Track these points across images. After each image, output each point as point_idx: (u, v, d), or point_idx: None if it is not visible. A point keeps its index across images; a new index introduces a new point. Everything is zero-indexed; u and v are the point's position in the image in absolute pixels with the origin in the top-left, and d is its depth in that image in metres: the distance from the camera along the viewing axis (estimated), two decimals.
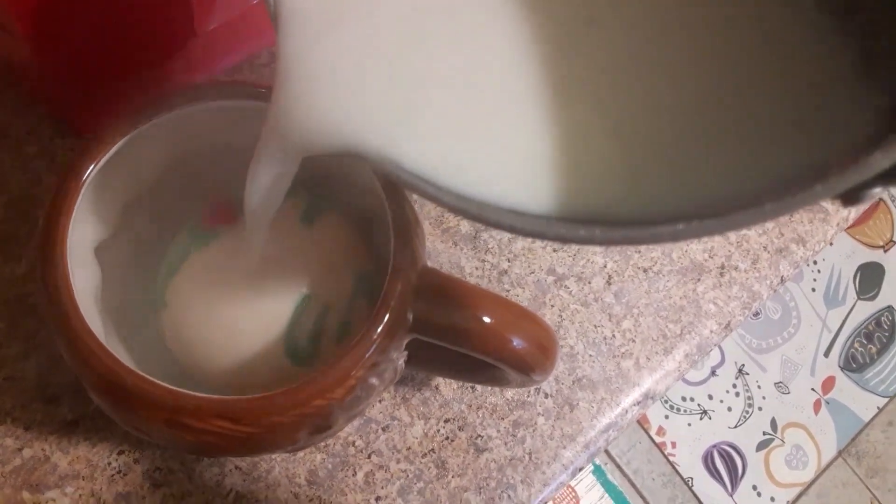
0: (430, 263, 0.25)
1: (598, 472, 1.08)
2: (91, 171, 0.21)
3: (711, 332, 0.35)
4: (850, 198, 0.14)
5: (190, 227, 0.25)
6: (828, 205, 0.38)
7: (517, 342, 0.23)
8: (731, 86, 0.17)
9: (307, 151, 0.17)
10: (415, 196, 0.25)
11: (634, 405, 0.33)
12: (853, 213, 0.39)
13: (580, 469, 0.32)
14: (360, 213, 0.26)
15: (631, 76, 0.17)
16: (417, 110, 0.16)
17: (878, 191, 0.13)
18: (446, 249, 0.34)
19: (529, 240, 0.35)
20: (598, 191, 0.16)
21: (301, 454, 0.29)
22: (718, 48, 0.17)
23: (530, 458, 0.31)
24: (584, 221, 0.16)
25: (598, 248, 0.35)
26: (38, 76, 0.26)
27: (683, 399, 1.15)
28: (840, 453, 1.17)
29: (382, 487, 0.30)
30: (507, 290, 0.34)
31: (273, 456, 0.29)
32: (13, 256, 0.29)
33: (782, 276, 0.37)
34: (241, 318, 0.24)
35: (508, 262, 0.34)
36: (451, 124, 0.16)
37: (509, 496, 0.30)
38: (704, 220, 0.14)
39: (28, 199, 0.30)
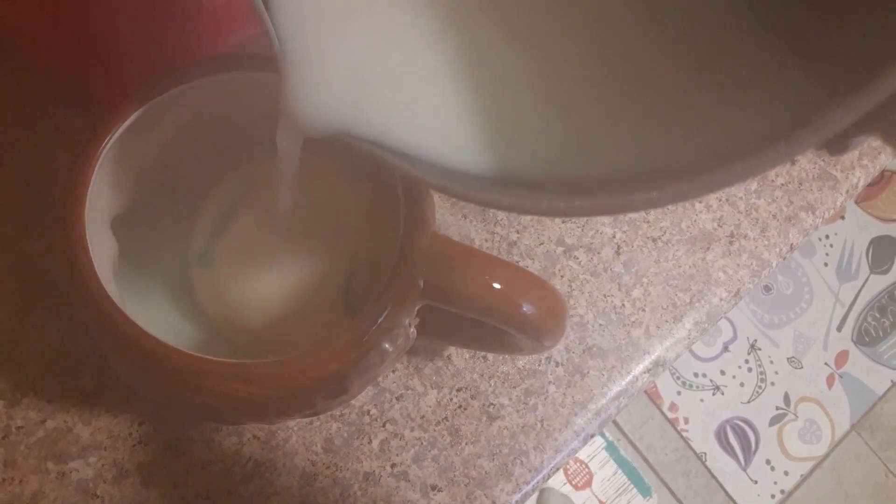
0: None
1: (611, 447, 1.09)
2: (106, 143, 0.21)
3: (721, 300, 0.35)
4: (835, 148, 0.14)
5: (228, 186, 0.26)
6: (837, 172, 0.38)
7: (527, 307, 0.23)
8: (668, 58, 0.18)
9: (306, 135, 0.20)
10: None
11: (645, 373, 0.34)
12: (862, 180, 0.39)
13: (592, 436, 0.33)
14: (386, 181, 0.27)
15: (567, 44, 0.19)
16: (386, 98, 0.19)
17: (860, 139, 0.14)
18: (456, 222, 0.34)
19: None
20: (539, 154, 0.18)
21: (317, 423, 0.30)
22: (658, 30, 0.18)
23: (542, 426, 0.32)
24: (561, 194, 0.17)
25: (606, 219, 0.36)
26: (50, 53, 0.26)
27: (696, 375, 1.15)
28: (853, 427, 1.17)
29: (397, 454, 0.30)
30: (517, 262, 0.34)
31: (290, 425, 0.30)
32: (31, 232, 0.30)
33: (791, 244, 0.37)
34: (297, 273, 0.25)
35: (517, 233, 0.34)
36: (412, 101, 0.19)
37: (522, 462, 0.31)
38: (678, 184, 0.15)
39: (43, 176, 0.31)
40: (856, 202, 1.29)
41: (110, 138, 0.22)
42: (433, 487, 0.30)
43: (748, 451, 1.13)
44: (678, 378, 1.15)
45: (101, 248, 0.23)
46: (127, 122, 0.22)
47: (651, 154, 0.18)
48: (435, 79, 0.19)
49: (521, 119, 0.19)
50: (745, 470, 1.12)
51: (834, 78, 0.15)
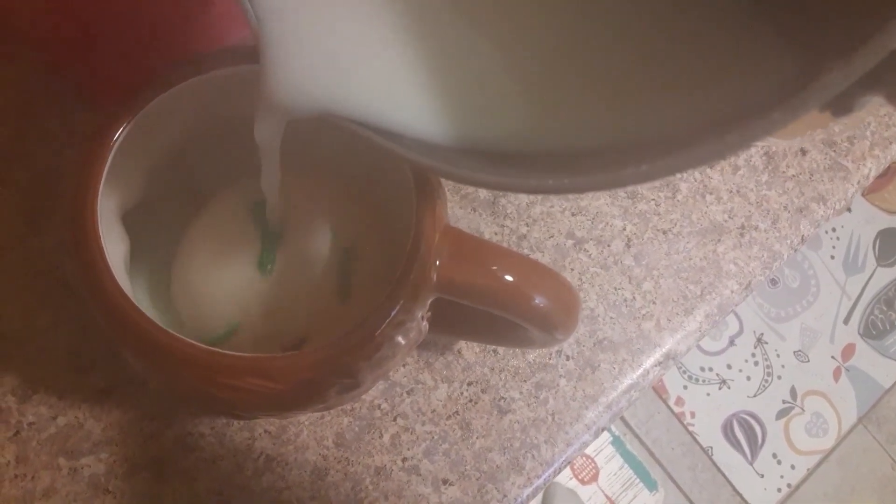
0: None
1: (617, 442, 1.09)
2: (118, 137, 0.21)
3: (732, 292, 0.35)
4: (839, 109, 0.14)
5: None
6: (848, 163, 0.38)
7: (539, 300, 0.23)
8: (654, 35, 0.18)
9: (287, 116, 0.19)
10: None
11: (656, 366, 0.34)
12: (874, 170, 0.38)
13: (603, 429, 0.33)
14: (388, 176, 0.27)
15: (550, 11, 0.19)
16: (366, 74, 0.19)
17: (865, 100, 0.13)
18: (465, 215, 0.34)
19: (548, 204, 0.35)
20: (522, 127, 0.18)
21: (328, 418, 0.30)
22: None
23: (553, 419, 0.32)
24: (548, 172, 0.17)
25: (616, 211, 0.35)
26: (59, 47, 0.26)
27: (702, 369, 1.15)
28: (860, 420, 1.17)
29: (408, 449, 0.30)
30: (527, 255, 0.34)
31: (301, 419, 0.30)
32: (39, 230, 0.30)
33: (803, 236, 0.37)
34: (291, 269, 0.25)
35: (527, 226, 0.34)
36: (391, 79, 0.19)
37: (533, 455, 0.31)
38: (668, 157, 0.14)
39: (51, 173, 0.30)
40: (862, 194, 1.28)
41: (122, 132, 0.21)
42: (444, 481, 0.30)
43: (754, 445, 1.13)
44: (684, 372, 1.14)
45: (113, 244, 0.23)
46: (137, 116, 0.22)
47: (639, 126, 0.17)
48: (413, 53, 0.19)
49: (503, 91, 0.19)
50: (751, 464, 1.12)
51: (827, 42, 0.15)
